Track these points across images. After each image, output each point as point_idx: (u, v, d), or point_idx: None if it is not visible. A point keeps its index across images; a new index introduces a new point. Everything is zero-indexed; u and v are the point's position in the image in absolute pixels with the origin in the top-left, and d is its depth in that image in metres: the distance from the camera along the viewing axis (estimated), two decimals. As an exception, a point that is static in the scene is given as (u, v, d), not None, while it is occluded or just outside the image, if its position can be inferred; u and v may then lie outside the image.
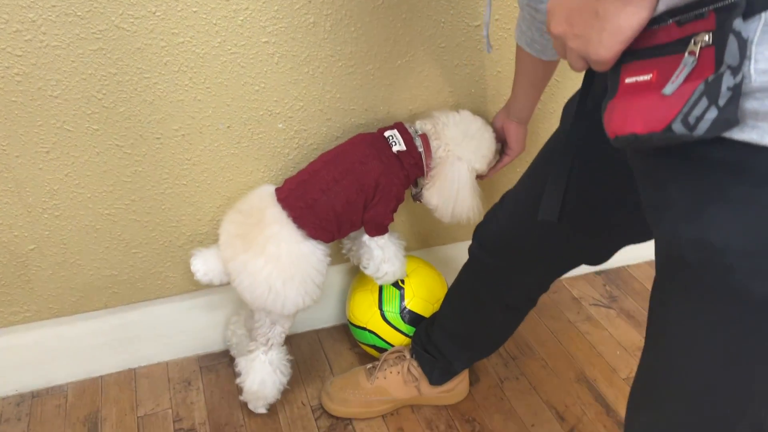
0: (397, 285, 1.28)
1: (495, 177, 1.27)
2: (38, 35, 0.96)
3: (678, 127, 0.50)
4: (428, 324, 1.21)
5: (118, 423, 1.22)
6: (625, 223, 0.80)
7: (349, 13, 1.09)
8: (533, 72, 1.00)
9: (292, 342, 1.40)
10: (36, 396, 1.28)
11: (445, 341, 1.15)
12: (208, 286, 1.26)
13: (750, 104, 0.48)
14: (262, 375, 1.18)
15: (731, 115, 0.48)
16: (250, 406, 1.24)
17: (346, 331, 1.45)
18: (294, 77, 1.12)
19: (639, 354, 0.69)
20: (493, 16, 1.16)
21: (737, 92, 0.47)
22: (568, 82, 1.30)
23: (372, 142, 1.12)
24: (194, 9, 1.01)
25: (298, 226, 1.08)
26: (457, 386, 1.26)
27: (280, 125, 1.17)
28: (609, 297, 1.58)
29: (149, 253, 1.22)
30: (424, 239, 1.43)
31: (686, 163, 0.55)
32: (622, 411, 1.27)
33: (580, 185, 0.77)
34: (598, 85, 0.71)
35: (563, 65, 1.13)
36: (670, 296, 0.61)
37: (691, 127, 0.49)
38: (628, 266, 1.67)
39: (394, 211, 1.14)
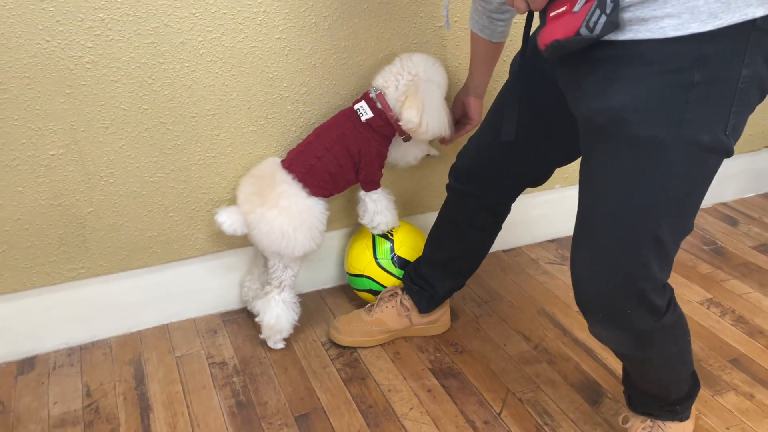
0: (387, 237, 1.55)
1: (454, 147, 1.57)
2: (105, 31, 1.24)
3: (584, 31, 0.81)
4: (415, 263, 1.48)
5: (159, 362, 1.44)
6: (558, 137, 1.10)
7: (343, 15, 1.40)
8: (485, 53, 1.32)
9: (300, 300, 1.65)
10: (83, 348, 1.49)
11: (429, 271, 1.43)
12: (227, 248, 1.52)
13: (626, 15, 0.80)
14: (277, 311, 1.42)
15: (615, 19, 0.79)
16: (269, 343, 1.48)
17: (344, 289, 1.71)
18: (300, 67, 1.42)
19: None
20: (450, 6, 1.47)
21: (617, 4, 0.79)
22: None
23: (348, 116, 1.39)
24: (224, 11, 1.31)
25: (302, 185, 1.35)
26: (441, 317, 1.52)
27: (289, 107, 1.46)
28: (561, 257, 1.87)
29: (183, 216, 1.47)
30: (406, 208, 1.72)
31: (591, 63, 0.86)
32: (576, 332, 1.55)
33: (526, 110, 1.07)
34: (530, 43, 1.03)
35: (506, 50, 1.46)
36: (590, 152, 0.91)
37: (592, 30, 0.80)
38: (576, 234, 1.98)
39: (381, 167, 1.42)
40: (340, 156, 1.36)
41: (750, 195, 2.24)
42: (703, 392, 1.36)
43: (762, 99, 0.85)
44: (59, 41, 1.21)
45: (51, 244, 1.38)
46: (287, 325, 1.44)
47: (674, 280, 1.76)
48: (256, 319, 1.46)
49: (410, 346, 1.50)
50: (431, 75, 1.37)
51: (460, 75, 1.57)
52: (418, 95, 1.32)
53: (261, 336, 1.47)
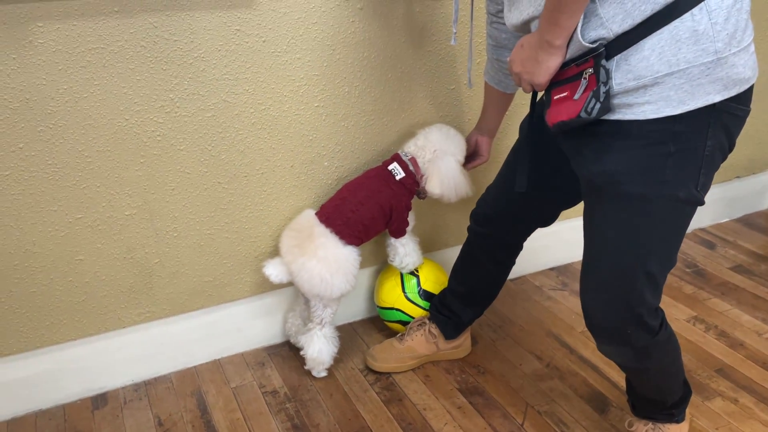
0: (414, 273, 1.76)
1: (479, 179, 1.79)
2: (174, 108, 1.45)
3: (583, 114, 1.03)
4: (440, 295, 1.69)
5: (218, 393, 1.63)
6: (562, 187, 1.32)
7: (371, 84, 1.63)
8: (498, 101, 1.53)
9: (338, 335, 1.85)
10: (148, 384, 1.67)
11: (454, 302, 1.64)
12: (270, 290, 1.72)
13: (615, 101, 1.03)
14: (320, 345, 1.62)
15: (607, 105, 1.02)
16: (314, 373, 1.67)
17: (373, 321, 1.91)
18: (335, 129, 1.64)
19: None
20: (474, 61, 1.71)
21: (608, 94, 1.02)
22: (519, 109, 1.86)
23: (381, 174, 1.61)
24: (272, 86, 1.53)
25: (338, 237, 1.55)
26: (463, 343, 1.73)
27: (326, 163, 1.68)
28: (561, 283, 2.10)
29: (235, 263, 1.67)
30: (427, 246, 1.93)
31: (589, 135, 1.08)
32: (581, 350, 1.76)
33: (535, 166, 1.30)
34: (537, 109, 1.26)
35: (517, 99, 1.70)
36: (591, 209, 1.13)
37: (590, 113, 1.03)
38: (573, 262, 2.20)
39: (407, 222, 1.64)
40: (373, 210, 1.57)
41: (725, 220, 2.50)
42: (694, 398, 1.58)
43: (724, 159, 1.09)
44: (136, 119, 1.42)
45: (123, 292, 1.57)
46: (328, 357, 1.64)
47: (663, 301, 1.98)
48: (301, 353, 1.65)
49: (438, 369, 1.70)
50: (448, 148, 1.58)
51: (471, 125, 1.81)
52: (440, 172, 1.56)
53: (306, 367, 1.66)
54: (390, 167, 1.59)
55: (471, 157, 1.67)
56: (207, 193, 1.57)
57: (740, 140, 1.77)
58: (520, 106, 1.82)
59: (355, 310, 1.91)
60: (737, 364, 1.71)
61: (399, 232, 1.64)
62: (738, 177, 2.45)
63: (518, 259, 2.03)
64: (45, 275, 1.47)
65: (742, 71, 1.00)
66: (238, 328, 1.75)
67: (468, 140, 1.66)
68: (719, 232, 2.42)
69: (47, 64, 1.30)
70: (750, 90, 1.05)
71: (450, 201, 1.61)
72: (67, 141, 1.38)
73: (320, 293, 1.56)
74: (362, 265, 1.83)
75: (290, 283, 1.60)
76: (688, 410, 1.42)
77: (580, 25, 1.00)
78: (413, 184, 1.59)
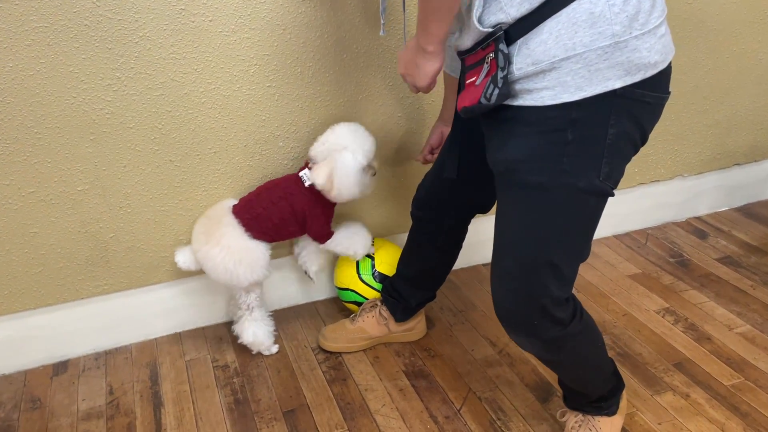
0: (369, 256, 1.76)
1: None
2: (122, 87, 1.48)
3: (483, 100, 1.01)
4: (391, 278, 1.68)
5: (171, 365, 1.68)
6: (490, 179, 1.29)
7: (325, 65, 1.62)
8: (453, 88, 1.49)
9: (295, 310, 1.88)
10: (108, 353, 1.73)
11: (402, 285, 1.63)
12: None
13: (516, 86, 1.00)
14: (253, 329, 1.63)
15: (506, 91, 0.99)
16: (262, 352, 1.69)
17: (335, 301, 1.92)
18: (289, 109, 1.65)
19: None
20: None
21: (507, 80, 0.98)
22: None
23: (294, 179, 1.56)
24: (221, 66, 1.54)
25: (245, 229, 1.54)
26: (416, 326, 1.73)
27: (281, 144, 1.68)
28: (536, 270, 2.06)
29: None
30: (389, 228, 1.93)
31: (496, 121, 1.06)
32: (539, 338, 1.73)
33: (466, 152, 1.27)
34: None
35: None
36: (499, 197, 1.11)
37: (488, 99, 1.00)
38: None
39: (329, 222, 1.61)
40: (284, 211, 1.55)
41: (724, 209, 2.39)
42: (642, 391, 1.54)
43: (637, 150, 1.04)
44: (83, 97, 1.46)
45: (79, 264, 1.63)
46: (265, 337, 1.65)
47: (636, 290, 1.93)
48: (238, 341, 1.67)
49: (389, 351, 1.71)
50: (348, 143, 1.50)
51: (435, 111, 1.78)
52: (328, 163, 1.49)
53: (253, 352, 1.69)
54: (301, 173, 1.56)
55: (437, 149, 1.64)
56: (159, 171, 1.60)
57: (738, 125, 1.69)
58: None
59: (319, 290, 1.92)
60: (698, 358, 1.65)
61: (323, 237, 1.62)
62: (737, 164, 2.34)
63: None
64: (1, 246, 1.54)
65: (647, 55, 0.95)
66: (199, 302, 1.79)
67: (432, 131, 1.63)
68: (715, 222, 2.32)
69: (-8, 42, 1.35)
70: (662, 75, 1.00)
71: (340, 199, 1.54)
72: (15, 117, 1.43)
73: (226, 282, 1.57)
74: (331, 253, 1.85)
75: (272, 256, 1.61)
76: (626, 403, 1.39)
77: (476, 11, 0.97)
78: (321, 195, 1.55)
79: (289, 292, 1.89)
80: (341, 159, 1.49)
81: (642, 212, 2.25)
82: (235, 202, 1.61)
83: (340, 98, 1.68)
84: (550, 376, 1.60)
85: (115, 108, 1.49)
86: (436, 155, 1.65)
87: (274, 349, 1.70)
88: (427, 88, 1.13)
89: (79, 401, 1.56)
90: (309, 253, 1.71)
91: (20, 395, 1.58)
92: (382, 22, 1.30)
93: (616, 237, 2.21)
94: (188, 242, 1.67)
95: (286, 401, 1.54)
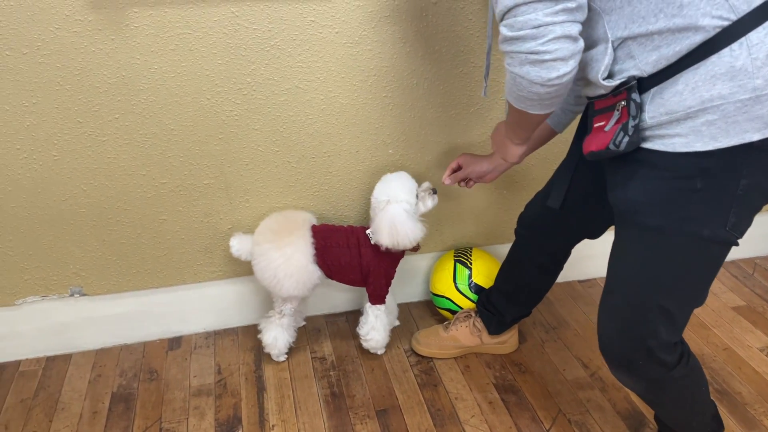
0: (467, 265, 1.80)
1: (535, 187, 1.77)
2: (251, 92, 1.58)
3: (611, 146, 1.01)
4: (488, 290, 1.72)
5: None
6: (602, 209, 1.29)
7: (440, 77, 1.66)
8: (540, 137, 1.40)
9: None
10: (217, 333, 1.87)
11: (499, 299, 1.66)
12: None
13: (646, 132, 1.00)
14: (275, 333, 1.68)
15: (636, 139, 0.99)
16: (272, 356, 1.73)
17: (428, 304, 1.98)
18: (402, 119, 1.70)
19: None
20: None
21: (638, 128, 0.99)
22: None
23: (362, 233, 1.61)
24: (342, 76, 1.60)
25: (314, 251, 1.58)
26: (509, 340, 1.75)
27: (390, 151, 1.74)
28: (634, 292, 2.02)
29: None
30: (488, 238, 1.95)
31: (621, 161, 1.06)
32: (632, 365, 1.72)
33: (581, 179, 1.28)
34: (584, 128, 1.23)
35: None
36: (617, 234, 1.11)
37: (617, 146, 1.01)
38: (652, 271, 2.11)
39: (388, 284, 1.64)
40: (352, 258, 1.59)
41: (844, 244, 2.25)
42: (740, 434, 1.50)
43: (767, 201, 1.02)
44: (216, 99, 1.57)
45: (198, 251, 1.76)
46: (283, 346, 1.70)
47: (739, 323, 1.87)
48: (258, 336, 1.73)
49: (479, 361, 1.75)
50: (389, 195, 1.54)
51: (543, 127, 1.78)
52: (381, 221, 1.52)
53: (265, 351, 1.73)
54: (367, 231, 1.60)
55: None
56: (277, 170, 1.69)
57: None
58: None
59: (413, 292, 1.98)
60: (804, 405, 1.59)
61: (376, 298, 1.64)
62: None
63: (591, 261, 2.00)
64: (133, 230, 1.69)
65: None
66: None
67: (460, 157, 1.54)
68: (832, 257, 2.19)
69: (141, 45, 1.47)
70: None
71: (410, 245, 1.56)
72: (155, 115, 1.55)
73: (267, 286, 1.62)
74: (423, 249, 1.90)
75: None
76: (721, 445, 1.36)
77: (601, 74, 0.99)
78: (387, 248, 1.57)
79: (385, 291, 1.96)
80: (390, 213, 1.52)
81: (751, 240, 2.14)
82: (315, 220, 1.66)
83: (451, 110, 1.72)
84: (644, 407, 1.59)
85: (243, 111, 1.59)
86: (456, 178, 1.55)
87: (283, 357, 1.75)
88: (515, 164, 1.33)
89: (191, 377, 1.70)
90: (372, 320, 1.69)
91: (139, 365, 1.74)
92: (485, 84, 1.33)
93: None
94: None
95: (379, 400, 1.62)
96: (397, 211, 1.53)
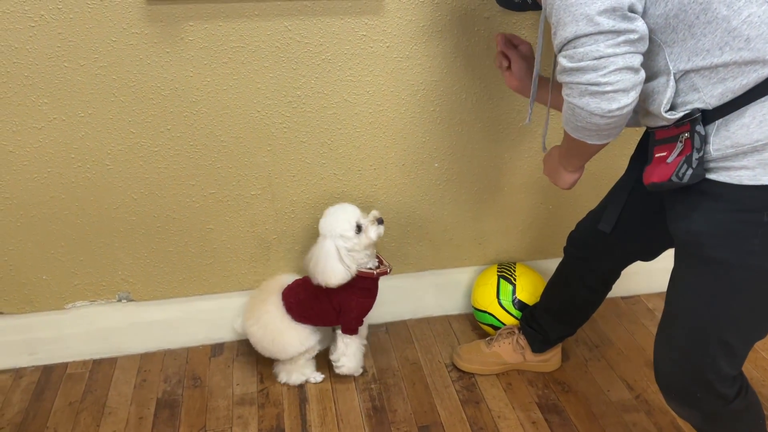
0: (510, 281, 1.78)
1: (582, 203, 1.75)
2: (300, 104, 1.58)
3: (674, 178, 0.99)
4: (532, 308, 1.70)
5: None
6: (657, 234, 1.27)
7: (489, 93, 1.65)
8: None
9: (429, 321, 1.94)
10: (258, 341, 1.88)
11: (543, 317, 1.64)
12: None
13: (711, 164, 0.97)
14: (303, 371, 1.69)
15: (700, 172, 0.97)
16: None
17: (469, 318, 1.96)
18: (449, 133, 1.69)
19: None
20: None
21: (701, 161, 0.97)
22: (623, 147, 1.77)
23: None
24: (391, 90, 1.60)
25: (286, 311, 1.61)
26: (552, 358, 1.73)
27: (436, 165, 1.73)
28: (679, 311, 1.99)
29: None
30: (531, 253, 1.94)
31: (683, 191, 1.04)
32: (679, 388, 1.69)
33: (637, 202, 1.26)
34: (644, 152, 1.21)
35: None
36: (677, 260, 1.09)
37: (680, 179, 0.99)
38: (698, 289, 2.07)
39: (359, 320, 1.63)
40: (322, 303, 1.61)
41: None
42: (793, 466, 1.46)
43: None
44: (266, 112, 1.58)
45: (244, 260, 1.78)
46: (298, 381, 1.71)
47: (791, 349, 1.82)
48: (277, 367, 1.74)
49: (522, 379, 1.73)
50: (325, 230, 1.56)
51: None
52: (314, 258, 1.55)
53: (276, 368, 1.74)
54: None
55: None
56: (323, 183, 1.70)
57: None
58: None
59: (454, 305, 1.97)
60: None
61: (347, 330, 1.65)
62: None
63: (635, 277, 1.96)
64: (180, 238, 1.71)
65: None
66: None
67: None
68: None
69: (194, 58, 1.48)
70: None
71: (335, 281, 1.54)
72: (206, 126, 1.57)
73: (269, 355, 1.68)
74: (465, 263, 1.90)
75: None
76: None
77: (663, 106, 0.97)
78: (356, 280, 1.57)
79: (424, 302, 1.96)
80: (320, 249, 1.55)
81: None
82: (291, 280, 1.68)
83: (499, 125, 1.70)
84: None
85: (292, 123, 1.60)
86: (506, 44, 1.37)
87: (319, 377, 1.74)
88: (567, 189, 1.28)
89: (234, 385, 1.72)
90: (342, 348, 1.68)
91: (183, 371, 1.76)
92: (529, 111, 1.30)
93: None
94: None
95: (421, 416, 1.61)
96: (326, 248, 1.54)
